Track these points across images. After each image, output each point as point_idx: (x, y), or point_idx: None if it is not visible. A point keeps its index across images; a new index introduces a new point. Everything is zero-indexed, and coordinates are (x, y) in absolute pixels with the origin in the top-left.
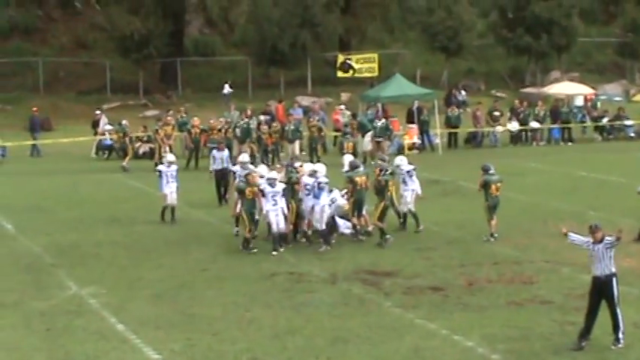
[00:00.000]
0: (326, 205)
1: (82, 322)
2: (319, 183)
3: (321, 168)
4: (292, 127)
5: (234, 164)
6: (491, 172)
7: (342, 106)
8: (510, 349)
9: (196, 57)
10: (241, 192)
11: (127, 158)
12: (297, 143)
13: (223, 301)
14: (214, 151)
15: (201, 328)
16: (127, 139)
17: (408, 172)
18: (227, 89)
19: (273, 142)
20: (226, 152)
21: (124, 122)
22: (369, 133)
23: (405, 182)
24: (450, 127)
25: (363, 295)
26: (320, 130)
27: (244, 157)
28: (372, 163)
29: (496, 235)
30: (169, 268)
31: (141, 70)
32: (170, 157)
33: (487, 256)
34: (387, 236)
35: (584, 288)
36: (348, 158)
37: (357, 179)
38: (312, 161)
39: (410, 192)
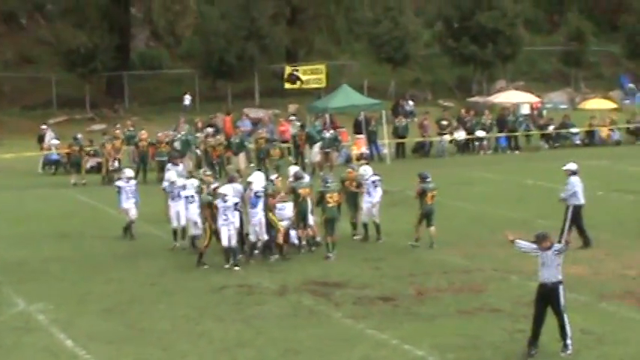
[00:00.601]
0: (263, 217)
1: (30, 338)
2: (255, 193)
3: (257, 178)
4: (237, 140)
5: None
6: (428, 180)
7: (293, 117)
8: (460, 358)
9: (143, 70)
10: (209, 205)
11: (82, 173)
12: (242, 156)
13: (173, 315)
14: (169, 165)
15: (151, 343)
16: (82, 153)
17: (373, 182)
18: (187, 100)
19: (218, 154)
20: (181, 166)
21: (79, 136)
22: (317, 144)
23: (369, 193)
24: (397, 137)
25: (313, 306)
26: (267, 141)
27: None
28: (321, 174)
29: (435, 244)
30: (119, 282)
31: (87, 84)
32: (128, 172)
33: (436, 266)
34: (329, 254)
35: (532, 295)
36: (293, 169)
37: (301, 191)
38: (260, 171)
39: (374, 203)
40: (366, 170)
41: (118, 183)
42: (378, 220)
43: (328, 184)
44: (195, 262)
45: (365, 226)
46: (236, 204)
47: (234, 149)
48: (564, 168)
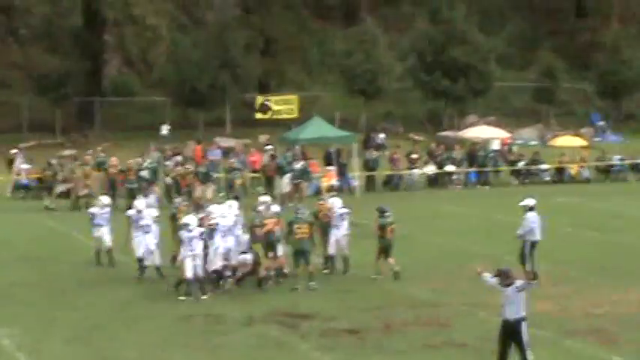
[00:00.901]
0: (220, 247)
1: None
2: (210, 224)
3: (215, 209)
4: (203, 170)
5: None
6: (386, 214)
7: (269, 147)
8: None
9: (114, 97)
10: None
11: (53, 197)
12: (209, 185)
13: (140, 343)
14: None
15: None
16: (55, 178)
17: (341, 215)
18: (165, 130)
19: (187, 183)
20: (152, 197)
21: (53, 161)
22: (287, 175)
23: (336, 225)
24: (368, 169)
25: (279, 337)
26: (231, 170)
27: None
28: (290, 205)
29: (398, 271)
30: (85, 309)
31: (58, 109)
32: (105, 199)
33: (404, 299)
34: (297, 286)
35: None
36: (263, 199)
37: (265, 221)
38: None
39: (342, 236)
40: (334, 202)
41: (92, 210)
42: (347, 252)
43: (299, 215)
44: (174, 287)
45: (332, 258)
46: (201, 233)
47: (201, 178)
48: (522, 204)
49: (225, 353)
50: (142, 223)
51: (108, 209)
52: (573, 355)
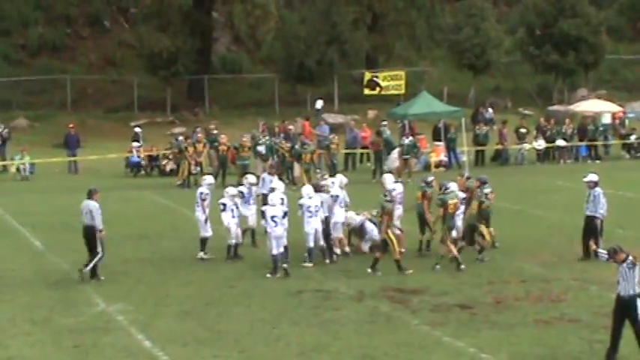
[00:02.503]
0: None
1: (109, 339)
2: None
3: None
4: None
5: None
6: (448, 190)
7: (384, 122)
8: None
9: (223, 74)
10: (420, 215)
11: (183, 173)
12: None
13: (251, 318)
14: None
15: (228, 345)
16: (185, 154)
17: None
18: (320, 104)
19: (310, 159)
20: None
21: (180, 138)
22: (396, 151)
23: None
24: (478, 144)
25: (390, 312)
26: (302, 145)
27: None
28: (399, 180)
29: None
30: (197, 284)
31: (168, 88)
32: (251, 178)
33: (515, 274)
34: (462, 266)
35: (612, 306)
36: (389, 177)
37: (450, 202)
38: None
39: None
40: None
41: (223, 200)
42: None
43: (450, 190)
44: (370, 267)
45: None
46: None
47: (296, 156)
48: (586, 180)
49: (336, 328)
50: (221, 201)
51: (255, 188)
52: None
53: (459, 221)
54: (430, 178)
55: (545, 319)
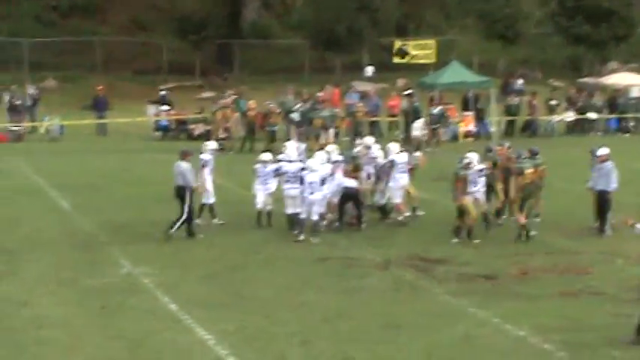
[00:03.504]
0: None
1: (135, 300)
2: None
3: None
4: (328, 114)
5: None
6: (523, 158)
7: (410, 91)
8: (562, 340)
9: (253, 39)
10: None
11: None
12: (331, 131)
13: (275, 284)
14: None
15: (252, 310)
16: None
17: (480, 170)
18: (370, 71)
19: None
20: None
21: (222, 101)
22: (421, 120)
23: (474, 183)
24: (509, 115)
25: (414, 281)
26: (365, 113)
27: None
28: (427, 150)
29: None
30: (222, 248)
31: (198, 52)
32: (265, 156)
33: (540, 246)
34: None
35: (638, 280)
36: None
37: (527, 171)
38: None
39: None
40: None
41: (256, 166)
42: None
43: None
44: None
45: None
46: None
47: (327, 123)
48: (599, 153)
49: (361, 296)
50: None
51: (273, 165)
52: None
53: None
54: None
55: (570, 291)
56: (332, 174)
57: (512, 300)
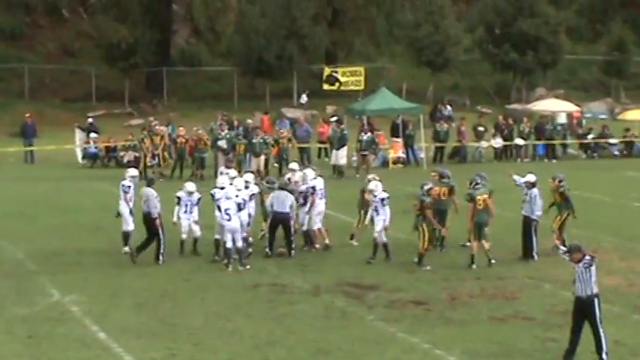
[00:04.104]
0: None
1: (64, 329)
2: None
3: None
4: (260, 141)
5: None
6: (478, 185)
7: (334, 118)
8: None
9: (182, 67)
10: (472, 199)
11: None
12: (262, 158)
13: (205, 311)
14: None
15: (182, 338)
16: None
17: (382, 199)
18: (304, 98)
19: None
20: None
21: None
22: (345, 147)
23: (376, 210)
24: (438, 141)
25: (345, 307)
26: (289, 140)
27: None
28: (357, 176)
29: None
30: (152, 277)
31: (127, 79)
32: (189, 185)
33: (470, 271)
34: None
35: (566, 305)
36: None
37: (478, 197)
38: (280, 170)
39: (381, 221)
40: (376, 186)
41: (179, 194)
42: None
43: (477, 186)
44: (416, 264)
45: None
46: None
47: (256, 150)
48: (524, 180)
49: (291, 323)
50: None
51: (197, 195)
52: None
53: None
54: (427, 186)
55: (499, 316)
56: (250, 199)
57: (443, 325)
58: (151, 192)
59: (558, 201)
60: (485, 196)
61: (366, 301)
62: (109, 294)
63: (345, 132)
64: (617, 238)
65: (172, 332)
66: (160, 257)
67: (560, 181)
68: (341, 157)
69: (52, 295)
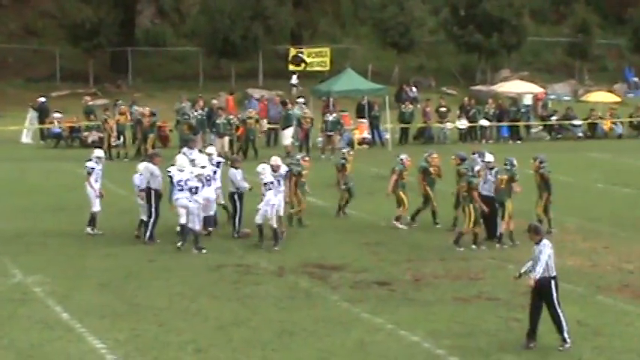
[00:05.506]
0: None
1: (26, 310)
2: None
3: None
4: (224, 121)
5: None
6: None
7: (301, 99)
8: (455, 345)
9: (147, 47)
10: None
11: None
12: (226, 138)
13: (169, 292)
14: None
15: (146, 319)
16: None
17: (265, 184)
18: (295, 80)
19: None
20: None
21: (135, 107)
22: (290, 128)
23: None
24: (403, 122)
25: (309, 288)
26: (257, 121)
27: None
28: (322, 156)
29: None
30: (116, 257)
31: (91, 59)
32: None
33: (434, 252)
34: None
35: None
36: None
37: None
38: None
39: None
40: (264, 169)
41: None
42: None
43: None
44: (453, 243)
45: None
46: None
47: (220, 130)
48: (485, 160)
49: (255, 303)
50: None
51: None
52: (604, 310)
53: None
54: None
55: (463, 296)
56: (215, 174)
57: (407, 306)
58: (152, 167)
59: (538, 182)
60: (505, 177)
61: (331, 281)
62: (73, 275)
63: (289, 112)
64: (581, 218)
65: (136, 313)
66: (147, 233)
67: (541, 162)
68: (286, 137)
69: (14, 276)
